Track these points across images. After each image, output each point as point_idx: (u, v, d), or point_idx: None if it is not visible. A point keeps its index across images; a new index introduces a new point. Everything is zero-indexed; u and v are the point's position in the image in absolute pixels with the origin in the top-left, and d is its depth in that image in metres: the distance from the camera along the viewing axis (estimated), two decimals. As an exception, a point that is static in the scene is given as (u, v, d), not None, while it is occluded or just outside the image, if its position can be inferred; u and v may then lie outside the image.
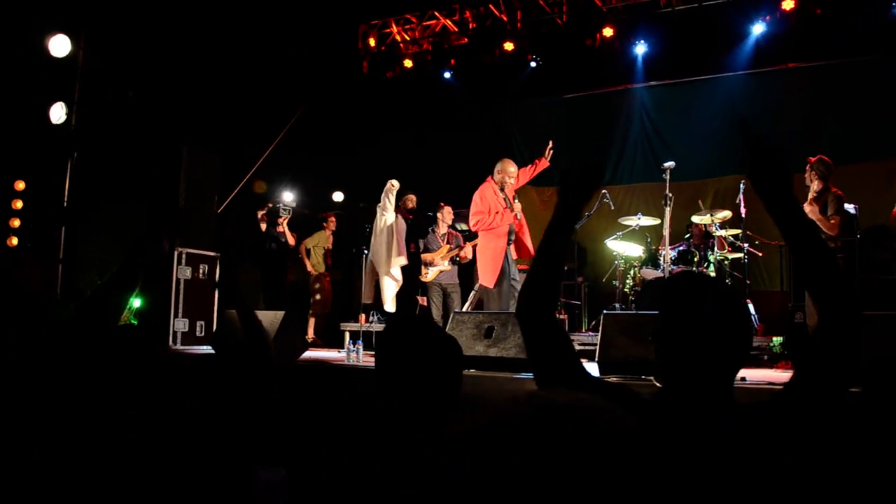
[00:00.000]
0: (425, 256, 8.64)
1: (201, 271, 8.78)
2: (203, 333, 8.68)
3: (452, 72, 10.99)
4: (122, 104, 8.58)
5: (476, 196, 7.06)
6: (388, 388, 1.90)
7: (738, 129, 1.82)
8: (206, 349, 7.84)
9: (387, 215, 8.41)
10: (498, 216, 6.92)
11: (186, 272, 8.57)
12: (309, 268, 10.07)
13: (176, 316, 8.39)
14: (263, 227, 9.88)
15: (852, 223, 6.88)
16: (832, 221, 6.54)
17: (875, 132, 8.80)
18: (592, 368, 6.11)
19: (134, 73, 8.75)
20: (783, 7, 8.58)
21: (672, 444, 1.47)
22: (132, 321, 8.59)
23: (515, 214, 7.02)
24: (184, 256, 8.56)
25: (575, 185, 1.83)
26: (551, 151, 7.32)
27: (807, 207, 6.63)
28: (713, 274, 7.99)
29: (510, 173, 7.09)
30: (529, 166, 7.49)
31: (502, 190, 7.07)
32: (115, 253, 9.95)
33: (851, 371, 1.59)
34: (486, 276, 7.00)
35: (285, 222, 9.64)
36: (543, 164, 7.42)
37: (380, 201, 8.45)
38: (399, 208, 8.71)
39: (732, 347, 1.63)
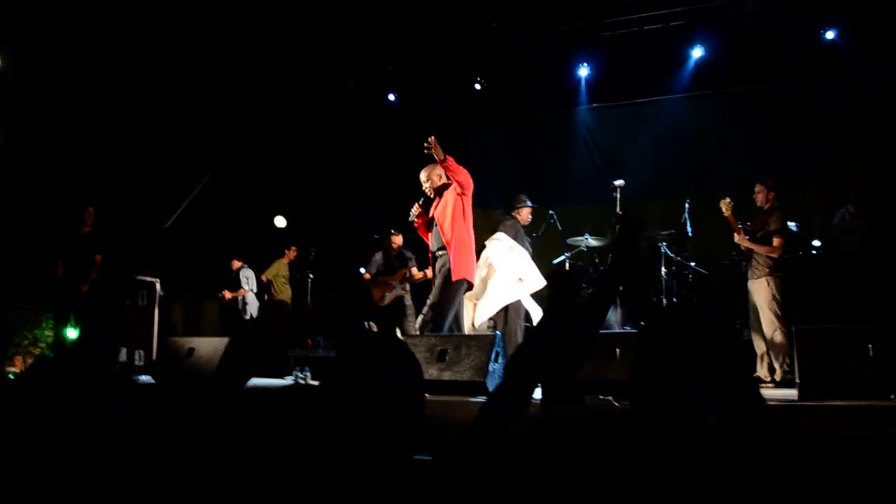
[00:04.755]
0: (380, 280, 8.66)
1: (140, 298, 8.46)
2: (142, 363, 8.34)
3: (395, 94, 10.95)
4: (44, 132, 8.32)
5: None
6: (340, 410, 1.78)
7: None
8: (146, 379, 7.53)
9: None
10: None
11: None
12: (277, 298, 10.10)
13: (113, 344, 8.04)
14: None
15: (795, 240, 7.04)
16: (775, 243, 6.69)
17: (811, 152, 9.06)
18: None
19: (56, 96, 8.50)
20: (720, 32, 8.81)
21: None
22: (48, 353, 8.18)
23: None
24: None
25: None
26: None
27: (737, 238, 6.80)
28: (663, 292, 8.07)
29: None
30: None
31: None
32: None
33: None
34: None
35: None
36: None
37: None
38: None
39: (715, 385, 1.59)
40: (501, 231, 7.27)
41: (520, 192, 7.47)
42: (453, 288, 6.27)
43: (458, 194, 6.26)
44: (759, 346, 6.82)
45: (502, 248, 7.14)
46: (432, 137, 6.04)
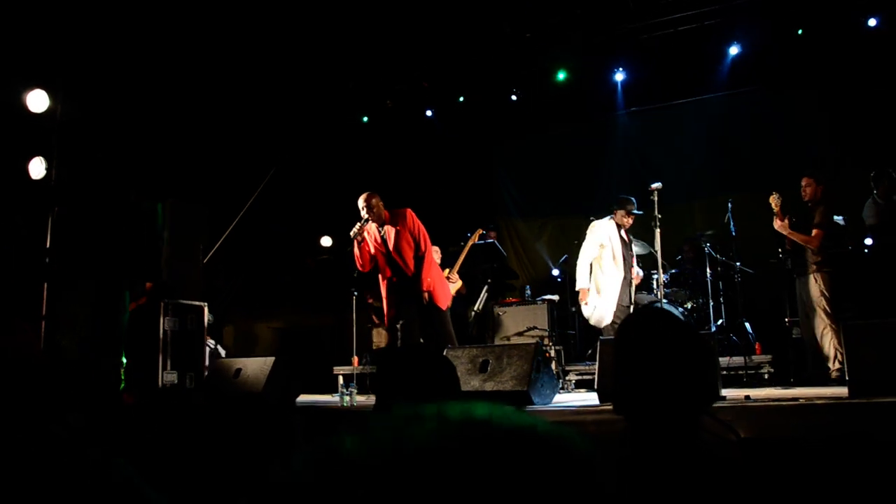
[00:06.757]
0: None
1: (189, 321, 8.62)
2: (193, 385, 8.48)
3: (434, 110, 11.01)
4: (102, 157, 8.54)
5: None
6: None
7: None
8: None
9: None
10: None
11: (174, 323, 8.41)
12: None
13: (164, 368, 8.20)
14: None
15: (842, 235, 6.84)
16: (813, 233, 6.53)
17: (857, 147, 8.81)
18: (591, 397, 5.99)
19: (113, 125, 8.73)
20: (756, 28, 8.66)
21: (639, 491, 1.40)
22: None
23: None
24: (170, 308, 8.40)
25: None
26: None
27: (777, 223, 6.64)
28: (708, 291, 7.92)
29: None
30: None
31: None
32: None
33: None
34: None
35: None
36: None
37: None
38: None
39: (692, 385, 1.56)
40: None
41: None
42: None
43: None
44: (811, 343, 6.66)
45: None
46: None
